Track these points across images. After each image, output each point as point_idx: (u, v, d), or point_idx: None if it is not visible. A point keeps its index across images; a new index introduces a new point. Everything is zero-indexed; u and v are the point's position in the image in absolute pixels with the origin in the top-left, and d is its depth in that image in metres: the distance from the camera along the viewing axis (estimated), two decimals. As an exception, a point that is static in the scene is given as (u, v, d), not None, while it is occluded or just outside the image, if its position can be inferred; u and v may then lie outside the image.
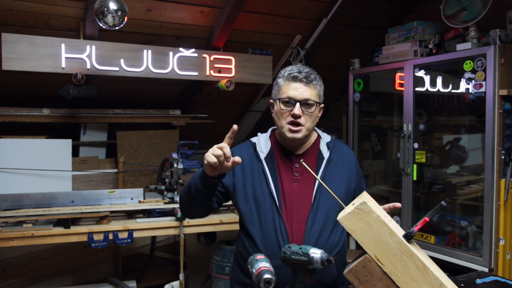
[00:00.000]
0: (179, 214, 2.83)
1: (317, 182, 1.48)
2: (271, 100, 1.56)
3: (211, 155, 1.27)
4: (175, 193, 3.19)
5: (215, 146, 1.27)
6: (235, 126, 1.30)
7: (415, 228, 1.15)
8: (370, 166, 3.83)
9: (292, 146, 1.54)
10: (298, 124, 1.46)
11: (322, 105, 1.54)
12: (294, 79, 1.47)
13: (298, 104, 1.45)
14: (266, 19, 3.49)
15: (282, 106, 1.47)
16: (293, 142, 1.51)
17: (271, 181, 1.47)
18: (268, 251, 1.43)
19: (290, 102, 1.46)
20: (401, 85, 3.25)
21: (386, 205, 1.33)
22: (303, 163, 1.33)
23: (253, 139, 1.60)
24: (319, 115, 1.54)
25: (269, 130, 1.63)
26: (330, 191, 1.27)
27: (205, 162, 1.29)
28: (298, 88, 1.46)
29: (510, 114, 2.64)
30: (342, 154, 1.59)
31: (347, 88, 3.73)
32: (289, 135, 1.47)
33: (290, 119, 1.46)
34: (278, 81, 1.52)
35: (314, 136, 1.59)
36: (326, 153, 1.55)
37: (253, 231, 1.46)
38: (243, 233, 1.53)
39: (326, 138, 1.60)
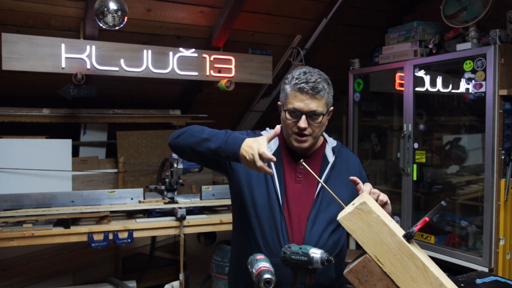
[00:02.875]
0: (179, 214, 2.83)
1: (319, 184, 1.47)
2: (279, 103, 1.54)
3: (260, 160, 1.25)
4: (175, 193, 3.19)
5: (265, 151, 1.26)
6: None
7: (415, 228, 1.15)
8: (370, 166, 3.83)
9: (300, 153, 1.53)
10: (304, 135, 1.45)
11: (331, 108, 1.51)
12: (300, 90, 1.42)
13: (304, 117, 1.42)
14: (266, 19, 3.49)
15: (288, 116, 1.45)
16: (299, 151, 1.51)
17: (276, 180, 1.47)
18: (268, 248, 1.43)
19: (295, 113, 1.44)
20: (401, 85, 3.25)
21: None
22: (303, 163, 1.33)
23: (263, 133, 1.56)
24: (328, 118, 1.52)
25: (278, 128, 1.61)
26: (330, 191, 1.27)
27: (251, 153, 1.26)
28: (304, 100, 1.42)
29: (510, 114, 2.64)
30: (347, 160, 1.58)
31: (347, 88, 3.73)
32: (296, 144, 1.46)
33: (296, 130, 1.45)
34: (285, 88, 1.49)
35: (320, 140, 1.58)
36: (331, 158, 1.54)
37: (254, 226, 1.46)
38: (241, 230, 1.52)
39: (332, 142, 1.59)
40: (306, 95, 1.42)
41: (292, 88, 1.45)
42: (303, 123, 1.42)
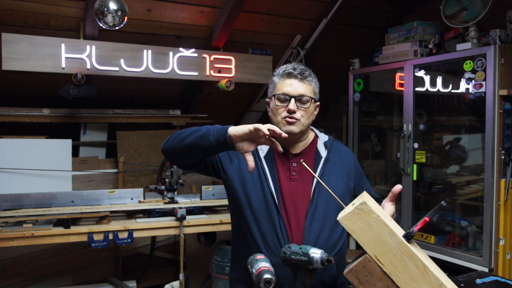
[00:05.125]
0: (179, 214, 2.83)
1: (315, 181, 1.48)
2: (267, 99, 1.57)
3: (264, 127, 1.23)
4: (175, 193, 3.19)
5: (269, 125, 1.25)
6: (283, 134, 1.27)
7: (415, 228, 1.15)
8: (370, 166, 3.83)
9: (289, 144, 1.53)
10: (293, 118, 1.46)
11: (318, 103, 1.55)
12: (289, 75, 1.48)
13: (293, 100, 1.45)
14: (266, 19, 3.49)
15: (278, 102, 1.48)
16: (289, 137, 1.50)
17: (270, 180, 1.47)
18: (269, 249, 1.43)
19: (285, 98, 1.47)
20: (401, 85, 3.25)
21: (388, 198, 1.37)
22: (303, 162, 1.33)
23: None
24: (315, 113, 1.55)
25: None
26: (329, 189, 1.27)
27: (251, 128, 1.22)
28: (293, 84, 1.47)
29: (510, 114, 2.64)
30: (341, 153, 1.59)
31: (347, 88, 3.73)
32: (285, 128, 1.46)
33: (285, 114, 1.46)
34: (273, 79, 1.54)
35: (311, 136, 1.59)
36: (323, 152, 1.55)
37: (253, 228, 1.46)
38: (240, 230, 1.53)
39: (323, 137, 1.60)
40: (294, 79, 1.48)
41: (280, 76, 1.51)
42: (292, 105, 1.45)
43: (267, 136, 1.23)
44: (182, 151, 1.40)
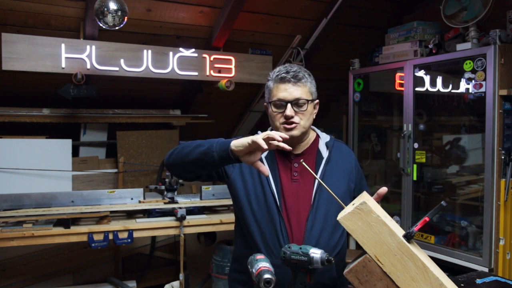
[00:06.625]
0: (179, 214, 2.83)
1: (316, 182, 1.47)
2: (265, 104, 1.56)
3: (261, 138, 1.21)
4: (175, 193, 3.19)
5: (269, 133, 1.23)
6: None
7: (415, 228, 1.15)
8: (370, 166, 3.83)
9: (290, 145, 1.53)
10: (292, 123, 1.46)
11: (317, 101, 1.54)
12: (282, 80, 1.46)
13: (289, 105, 1.44)
14: (266, 19, 3.49)
15: (274, 109, 1.48)
16: (290, 140, 1.50)
17: (271, 181, 1.47)
18: (269, 250, 1.43)
19: (281, 104, 1.46)
20: (401, 85, 3.25)
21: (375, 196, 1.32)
22: (303, 163, 1.33)
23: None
24: (315, 111, 1.54)
25: (268, 130, 1.62)
26: (330, 190, 1.27)
27: (249, 141, 1.22)
28: (287, 89, 1.45)
29: (510, 114, 2.64)
30: (342, 154, 1.59)
31: (347, 88, 3.73)
32: (285, 134, 1.46)
33: (283, 120, 1.46)
34: (268, 84, 1.52)
35: (312, 136, 1.59)
36: (325, 153, 1.54)
37: (253, 230, 1.46)
38: (242, 231, 1.53)
39: (325, 137, 1.60)
40: (288, 83, 1.46)
41: (274, 81, 1.49)
42: (289, 111, 1.44)
43: (269, 142, 1.22)
44: (187, 167, 1.41)
